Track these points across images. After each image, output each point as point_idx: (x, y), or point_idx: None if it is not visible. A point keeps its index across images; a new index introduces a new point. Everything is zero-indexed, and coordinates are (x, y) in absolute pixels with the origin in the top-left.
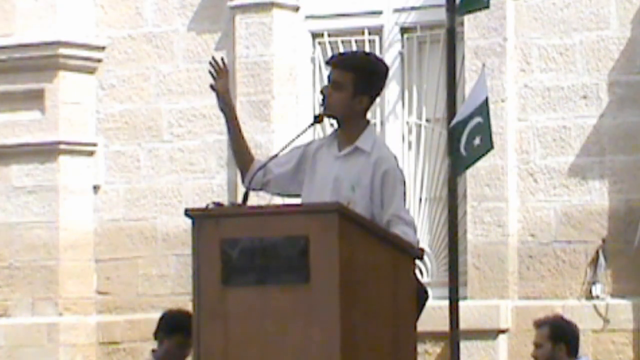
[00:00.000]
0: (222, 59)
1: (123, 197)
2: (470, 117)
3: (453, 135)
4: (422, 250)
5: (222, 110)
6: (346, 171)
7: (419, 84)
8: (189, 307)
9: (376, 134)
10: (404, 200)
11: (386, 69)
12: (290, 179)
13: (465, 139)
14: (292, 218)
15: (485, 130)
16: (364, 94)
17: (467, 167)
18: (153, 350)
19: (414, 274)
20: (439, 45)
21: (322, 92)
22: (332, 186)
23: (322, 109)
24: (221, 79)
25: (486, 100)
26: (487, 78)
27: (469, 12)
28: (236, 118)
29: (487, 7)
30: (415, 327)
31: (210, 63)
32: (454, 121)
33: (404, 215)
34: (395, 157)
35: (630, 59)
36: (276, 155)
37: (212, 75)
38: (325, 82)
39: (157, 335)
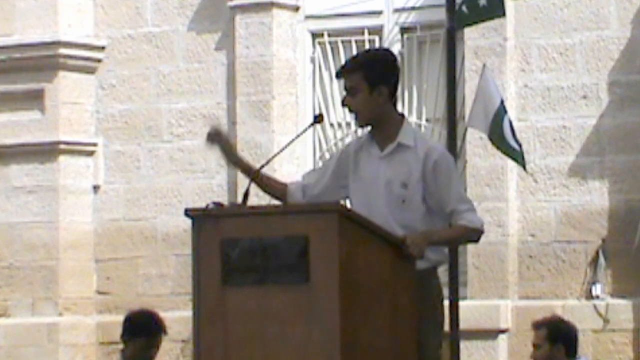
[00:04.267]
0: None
1: (123, 197)
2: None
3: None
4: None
5: (235, 164)
6: (394, 170)
7: (419, 84)
8: (188, 307)
9: (414, 127)
10: (460, 183)
11: (393, 55)
12: (332, 188)
13: None
14: (292, 218)
15: None
16: (380, 84)
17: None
18: (122, 350)
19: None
20: (439, 45)
21: (343, 104)
22: (384, 187)
23: (355, 121)
24: (220, 140)
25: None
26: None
27: (483, 20)
28: (248, 165)
29: (504, 15)
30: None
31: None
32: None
33: (465, 202)
34: (441, 144)
35: (630, 59)
36: (275, 156)
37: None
38: (326, 83)
39: (122, 337)
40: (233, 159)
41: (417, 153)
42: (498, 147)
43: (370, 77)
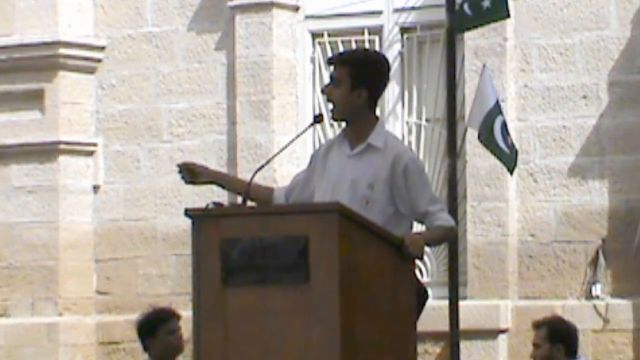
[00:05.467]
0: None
1: (123, 197)
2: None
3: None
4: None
5: (214, 183)
6: (361, 170)
7: (419, 84)
8: (188, 307)
9: (386, 130)
10: (430, 185)
11: (386, 63)
12: (302, 188)
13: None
14: (292, 218)
15: None
16: (362, 86)
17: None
18: (150, 356)
19: (414, 273)
20: (439, 45)
21: (322, 91)
22: (348, 186)
23: (330, 112)
24: (195, 175)
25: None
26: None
27: (488, 22)
28: (226, 180)
29: (508, 16)
30: (415, 327)
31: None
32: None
33: (437, 203)
34: (410, 149)
35: (630, 59)
36: (275, 156)
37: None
38: (325, 82)
39: (144, 346)
40: (220, 181)
41: (385, 156)
42: (486, 146)
43: (354, 77)
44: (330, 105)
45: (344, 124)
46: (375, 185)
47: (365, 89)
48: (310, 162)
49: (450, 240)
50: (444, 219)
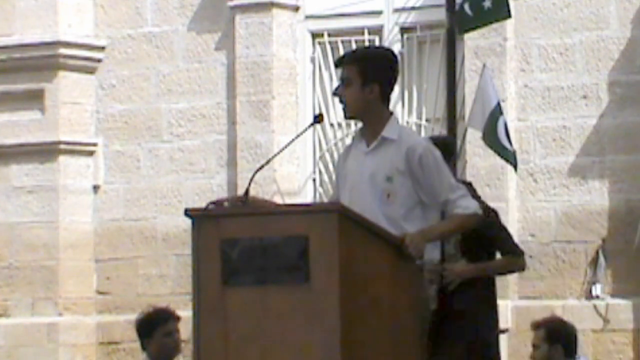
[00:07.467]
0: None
1: (123, 197)
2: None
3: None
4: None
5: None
6: (377, 164)
7: (419, 84)
8: (188, 307)
9: (401, 124)
10: (449, 172)
11: (393, 56)
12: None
13: None
14: (292, 218)
15: None
16: (373, 81)
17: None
18: (148, 355)
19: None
20: (439, 45)
21: (334, 93)
22: (367, 182)
23: (343, 112)
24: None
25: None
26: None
27: (490, 23)
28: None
29: (509, 16)
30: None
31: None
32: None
33: (456, 190)
34: (425, 139)
35: (630, 59)
36: (275, 156)
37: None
38: (326, 83)
39: (142, 345)
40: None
41: (399, 147)
42: (490, 146)
43: (364, 73)
44: (342, 105)
45: (345, 125)
46: (393, 177)
47: (377, 84)
48: (336, 176)
49: (472, 227)
50: (463, 207)
